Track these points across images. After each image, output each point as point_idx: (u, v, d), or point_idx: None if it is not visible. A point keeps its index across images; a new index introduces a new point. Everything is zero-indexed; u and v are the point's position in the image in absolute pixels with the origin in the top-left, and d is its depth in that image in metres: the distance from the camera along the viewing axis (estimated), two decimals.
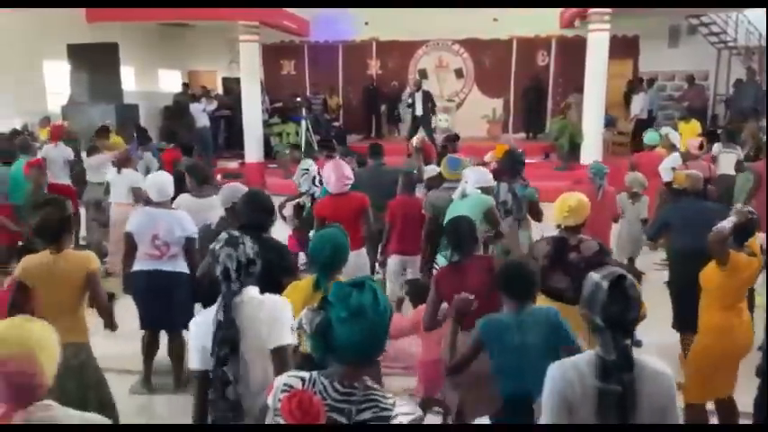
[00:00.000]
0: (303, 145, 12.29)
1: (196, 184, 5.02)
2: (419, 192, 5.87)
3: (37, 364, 1.59)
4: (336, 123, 14.90)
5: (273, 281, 2.98)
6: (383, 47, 15.51)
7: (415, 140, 7.50)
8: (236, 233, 2.51)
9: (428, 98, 12.51)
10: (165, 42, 15.34)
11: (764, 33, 12.58)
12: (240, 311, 2.35)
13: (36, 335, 1.61)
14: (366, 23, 15.16)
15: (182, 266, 4.31)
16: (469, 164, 5.48)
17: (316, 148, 12.61)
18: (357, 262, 4.51)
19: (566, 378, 1.94)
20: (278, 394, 1.73)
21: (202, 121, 12.93)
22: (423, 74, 15.51)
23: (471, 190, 4.39)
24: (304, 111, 12.49)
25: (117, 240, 6.44)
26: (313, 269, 2.91)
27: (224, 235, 2.47)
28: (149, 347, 4.50)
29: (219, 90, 16.17)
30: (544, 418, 2.00)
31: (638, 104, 12.49)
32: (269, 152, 12.79)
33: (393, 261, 5.34)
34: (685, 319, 4.14)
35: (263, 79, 16.04)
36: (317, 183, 7.18)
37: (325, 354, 1.69)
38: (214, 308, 2.39)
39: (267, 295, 2.47)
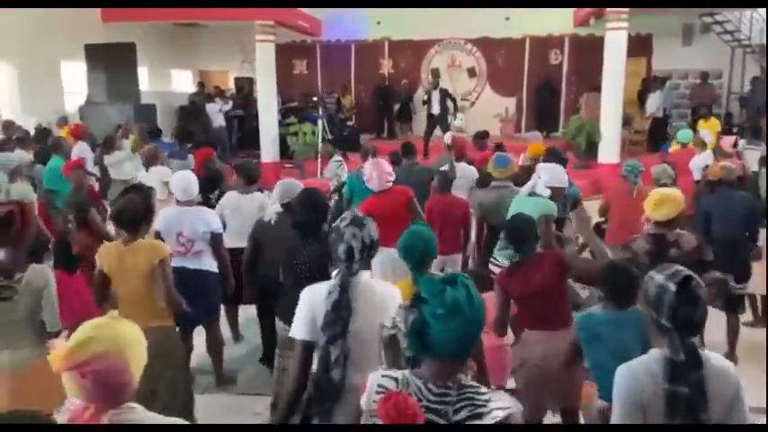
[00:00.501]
0: (320, 144, 12.26)
1: (244, 183, 5.02)
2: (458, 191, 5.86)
3: (127, 363, 1.58)
4: (350, 123, 14.89)
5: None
6: (395, 46, 15.52)
7: (446, 137, 7.47)
8: (360, 215, 2.52)
9: (446, 96, 12.44)
10: (176, 42, 15.35)
11: None
12: (355, 293, 2.34)
13: (126, 334, 1.60)
14: (378, 23, 15.18)
15: (208, 264, 4.33)
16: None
17: (331, 148, 12.57)
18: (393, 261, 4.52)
19: (638, 379, 1.92)
20: (372, 395, 1.72)
21: (218, 120, 12.94)
22: (435, 73, 15.46)
23: (541, 189, 4.33)
24: (320, 110, 12.46)
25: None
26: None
27: (348, 214, 2.49)
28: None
29: (232, 90, 16.15)
30: (616, 419, 1.98)
31: (654, 103, 12.48)
32: (284, 152, 12.80)
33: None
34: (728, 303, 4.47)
35: (277, 78, 16.09)
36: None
37: (421, 352, 1.66)
38: (329, 282, 2.39)
39: (379, 281, 2.47)
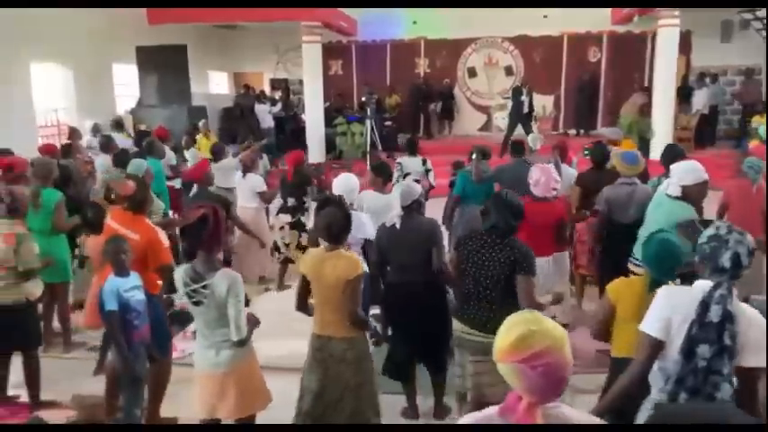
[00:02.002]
0: (368, 145, 12.30)
1: (381, 183, 5.03)
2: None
3: (569, 358, 1.59)
4: (388, 123, 14.88)
5: None
6: (431, 45, 15.53)
7: (531, 140, 7.45)
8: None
9: (531, 96, 12.47)
10: (214, 44, 15.35)
11: None
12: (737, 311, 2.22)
13: (559, 330, 1.61)
14: (414, 22, 15.22)
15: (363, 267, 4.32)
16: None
17: (379, 147, 12.61)
18: (547, 269, 4.51)
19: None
20: None
21: (267, 122, 12.97)
22: (471, 72, 15.55)
23: (673, 189, 4.25)
24: (368, 111, 12.48)
25: (247, 243, 6.47)
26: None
27: (722, 224, 2.36)
28: None
29: (267, 91, 16.15)
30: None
31: (701, 99, 12.52)
32: (329, 152, 12.83)
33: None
34: None
35: None
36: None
37: None
38: (700, 288, 2.27)
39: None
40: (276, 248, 6.38)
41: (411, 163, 7.07)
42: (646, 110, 12.47)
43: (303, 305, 3.36)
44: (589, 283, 5.97)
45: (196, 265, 2.97)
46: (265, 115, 13.05)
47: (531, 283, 3.26)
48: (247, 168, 6.58)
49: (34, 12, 9.07)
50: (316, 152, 12.59)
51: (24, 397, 4.39)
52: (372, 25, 15.17)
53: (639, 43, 14.46)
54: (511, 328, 1.58)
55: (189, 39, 12.99)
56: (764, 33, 13.74)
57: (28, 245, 4.12)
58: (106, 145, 7.41)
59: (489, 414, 1.67)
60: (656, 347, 2.33)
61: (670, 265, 2.80)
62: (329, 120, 13.26)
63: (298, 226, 6.22)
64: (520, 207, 3.38)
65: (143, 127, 9.14)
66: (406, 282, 3.80)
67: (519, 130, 12.50)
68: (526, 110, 12.66)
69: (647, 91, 13.18)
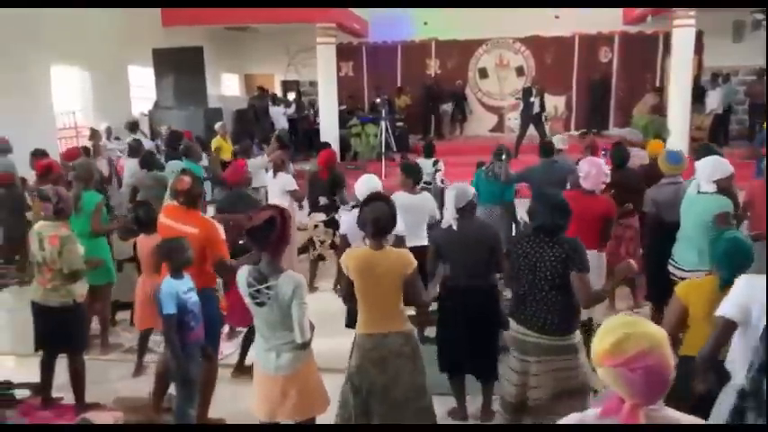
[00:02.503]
0: (383, 146, 12.30)
1: (412, 183, 5.03)
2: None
3: (669, 360, 1.59)
4: (399, 124, 14.89)
5: None
6: (442, 46, 15.54)
7: (557, 140, 7.47)
8: None
9: (542, 96, 12.47)
10: (225, 46, 15.36)
11: None
12: None
13: (657, 332, 1.60)
14: (425, 23, 15.23)
15: None
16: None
17: (394, 148, 12.62)
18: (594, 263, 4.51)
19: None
20: None
21: (282, 123, 12.98)
22: (483, 73, 15.56)
23: (706, 186, 4.29)
24: (383, 112, 12.49)
25: None
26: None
27: None
28: None
29: (278, 93, 16.16)
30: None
31: (715, 99, 12.54)
32: (343, 153, 12.83)
33: None
34: None
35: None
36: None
37: None
38: None
39: None
40: (312, 245, 6.37)
41: (424, 165, 7.13)
42: (658, 110, 12.53)
43: (351, 303, 3.38)
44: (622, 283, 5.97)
45: (260, 266, 2.97)
46: (280, 117, 13.08)
47: (585, 278, 3.22)
48: (278, 168, 6.59)
49: (53, 14, 9.08)
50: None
51: (66, 399, 4.40)
52: (383, 26, 15.19)
53: (651, 44, 14.47)
54: (606, 333, 1.58)
55: (201, 41, 13.00)
56: None
57: (72, 246, 4.11)
58: (136, 149, 7.40)
59: (591, 415, 1.67)
60: (729, 328, 2.51)
61: (740, 264, 2.80)
62: (342, 121, 13.27)
63: (331, 224, 6.24)
64: (566, 205, 3.35)
65: (165, 128, 9.10)
66: (462, 284, 3.78)
67: (531, 131, 12.55)
68: (537, 110, 12.65)
69: (660, 91, 13.24)
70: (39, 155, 6.50)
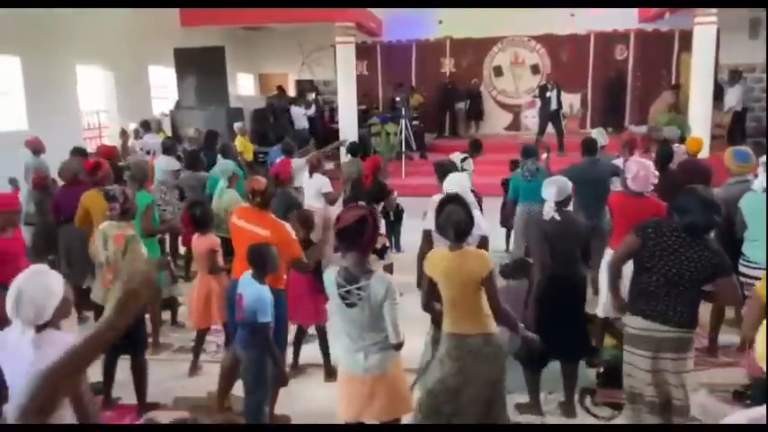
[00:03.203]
0: (403, 144, 12.32)
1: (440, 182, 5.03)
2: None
3: None
4: (415, 122, 14.90)
5: None
6: (457, 45, 15.56)
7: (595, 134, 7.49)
8: None
9: (559, 93, 12.47)
10: (240, 45, 15.35)
11: None
12: None
13: None
14: (440, 22, 15.21)
15: None
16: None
17: (414, 147, 12.63)
18: None
19: None
20: None
21: (302, 123, 12.97)
22: (498, 71, 15.58)
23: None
24: (403, 110, 12.50)
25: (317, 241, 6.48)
26: None
27: None
28: None
29: (292, 92, 16.16)
30: None
31: (734, 97, 12.55)
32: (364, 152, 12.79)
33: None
34: None
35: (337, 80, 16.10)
36: None
37: None
38: None
39: None
40: None
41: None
42: (675, 107, 12.54)
43: (430, 306, 3.39)
44: None
45: (349, 267, 2.97)
46: (300, 117, 13.08)
47: (734, 281, 3.27)
48: (314, 168, 6.58)
49: (78, 14, 9.08)
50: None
51: (124, 399, 4.41)
52: (398, 25, 15.18)
53: (667, 41, 14.50)
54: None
55: (216, 40, 13.01)
56: None
57: (136, 247, 4.13)
58: (170, 147, 7.40)
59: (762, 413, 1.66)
60: None
61: None
62: (359, 120, 13.27)
63: None
64: (716, 202, 3.28)
65: (193, 130, 9.11)
66: (568, 274, 3.86)
67: (549, 129, 12.58)
68: (555, 107, 12.65)
69: (677, 89, 13.26)
70: (78, 153, 6.50)
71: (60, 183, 5.97)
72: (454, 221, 3.22)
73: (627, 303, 3.46)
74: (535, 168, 6.15)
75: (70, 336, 2.53)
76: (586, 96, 15.19)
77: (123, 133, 8.82)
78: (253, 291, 3.52)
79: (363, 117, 13.69)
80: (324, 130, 14.16)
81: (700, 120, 11.18)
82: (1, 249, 4.29)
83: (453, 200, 3.41)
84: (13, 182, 6.69)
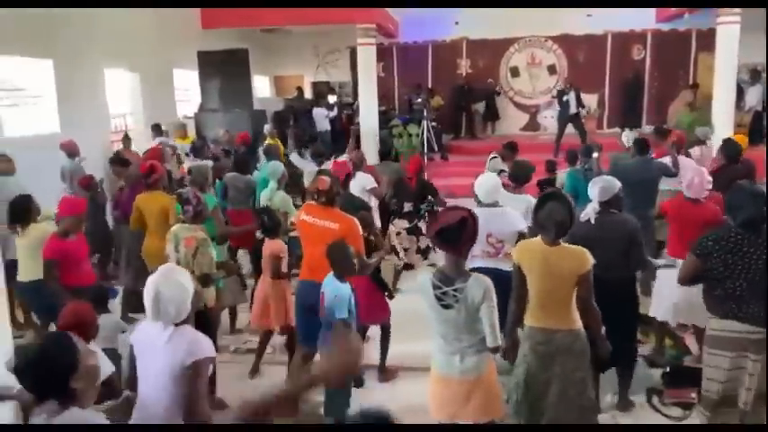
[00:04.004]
0: (425, 145, 12.32)
1: (519, 183, 5.05)
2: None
3: None
4: (433, 124, 14.90)
5: None
6: (473, 46, 15.58)
7: (624, 136, 7.52)
8: None
9: (578, 94, 12.48)
10: (256, 48, 15.31)
11: None
12: None
13: None
14: (456, 23, 15.22)
15: None
16: None
17: (436, 148, 12.64)
18: None
19: None
20: None
21: (324, 125, 12.98)
22: (514, 71, 15.60)
23: None
24: (425, 112, 12.51)
25: None
26: None
27: None
28: None
29: (308, 94, 16.15)
30: None
31: (755, 96, 12.54)
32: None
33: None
34: None
35: (353, 82, 16.09)
36: None
37: None
38: None
39: None
40: (396, 253, 6.36)
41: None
42: (694, 107, 12.53)
43: (520, 299, 3.39)
44: None
45: (445, 268, 2.97)
46: (322, 119, 13.09)
47: None
48: (356, 167, 6.64)
49: (105, 16, 9.07)
50: (371, 154, 12.57)
51: None
52: (414, 26, 15.18)
53: (684, 41, 14.53)
54: None
55: (233, 42, 13.00)
56: None
57: (206, 250, 4.13)
58: (200, 149, 7.43)
59: None
60: None
61: None
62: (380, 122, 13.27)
63: (415, 231, 6.25)
64: (765, 193, 3.30)
65: (223, 132, 9.11)
66: (608, 278, 3.73)
67: (570, 130, 12.58)
68: (574, 110, 12.65)
69: (696, 88, 13.27)
70: (117, 162, 6.55)
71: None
72: (557, 221, 3.22)
73: (711, 306, 3.43)
74: (589, 168, 6.15)
75: (201, 334, 2.58)
76: (603, 97, 15.21)
77: (126, 138, 8.84)
78: (332, 289, 3.54)
79: (382, 119, 13.69)
80: (344, 131, 14.14)
81: (723, 119, 11.18)
82: (67, 253, 4.31)
83: (554, 197, 3.40)
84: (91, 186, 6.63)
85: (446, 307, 2.95)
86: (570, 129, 12.58)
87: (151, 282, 2.50)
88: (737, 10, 10.94)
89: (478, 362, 3.00)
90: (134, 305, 5.43)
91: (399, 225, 6.33)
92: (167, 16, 10.82)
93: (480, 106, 15.29)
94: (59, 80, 8.42)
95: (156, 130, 9.81)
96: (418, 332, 4.43)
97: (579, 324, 3.32)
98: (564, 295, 3.25)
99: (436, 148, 12.66)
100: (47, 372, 2.00)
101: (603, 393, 4.15)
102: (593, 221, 3.91)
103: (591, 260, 3.23)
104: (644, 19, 14.39)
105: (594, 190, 3.97)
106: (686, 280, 3.51)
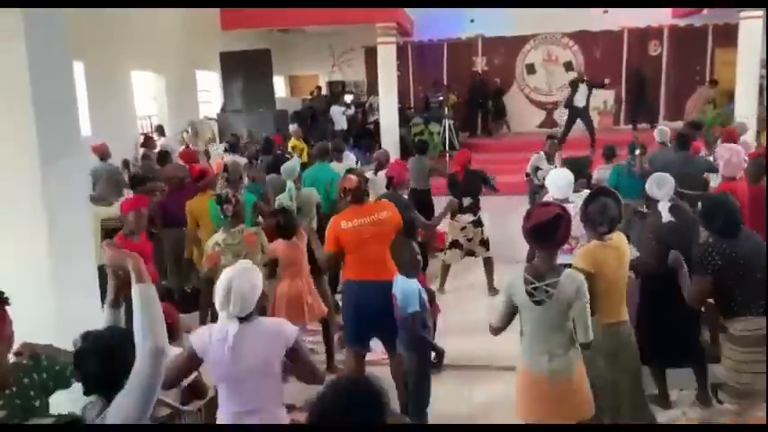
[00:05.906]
0: (446, 144, 12.34)
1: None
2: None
3: None
4: (450, 121, 14.90)
5: None
6: (489, 43, 15.58)
7: (657, 133, 7.51)
8: None
9: (590, 89, 12.46)
10: (271, 48, 15.34)
11: None
12: None
13: None
14: (472, 21, 15.20)
15: None
16: None
17: (457, 147, 12.63)
18: None
19: None
20: None
21: (341, 123, 13.00)
22: (530, 68, 15.60)
23: None
24: (446, 110, 12.52)
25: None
26: None
27: None
28: None
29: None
30: None
31: None
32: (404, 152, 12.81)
33: None
34: None
35: (367, 81, 16.13)
36: None
37: None
38: None
39: None
40: (459, 247, 6.35)
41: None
42: (713, 103, 12.54)
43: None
44: None
45: (536, 264, 2.98)
46: (339, 117, 13.11)
47: None
48: (381, 166, 6.72)
49: (131, 19, 9.08)
50: (391, 152, 12.56)
51: None
52: (429, 25, 15.17)
53: (701, 37, 14.53)
54: None
55: (249, 43, 13.03)
56: None
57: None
58: (235, 145, 7.48)
59: None
60: None
61: None
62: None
63: (479, 223, 6.28)
64: (730, 203, 3.40)
65: (246, 133, 9.14)
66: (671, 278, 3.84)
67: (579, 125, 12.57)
68: (584, 103, 12.61)
69: (715, 84, 13.27)
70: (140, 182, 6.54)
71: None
72: (611, 216, 3.30)
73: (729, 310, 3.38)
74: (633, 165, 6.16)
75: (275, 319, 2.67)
76: (620, 92, 15.20)
77: (149, 139, 8.86)
78: (401, 287, 3.54)
79: (400, 117, 13.69)
80: (361, 129, 14.16)
81: (747, 115, 11.16)
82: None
83: (605, 192, 3.45)
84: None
85: (537, 303, 2.94)
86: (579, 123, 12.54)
87: (225, 276, 2.60)
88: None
89: (567, 362, 2.99)
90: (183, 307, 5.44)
91: (464, 220, 6.27)
92: (190, 18, 10.84)
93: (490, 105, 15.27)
94: (90, 82, 8.44)
95: (160, 131, 9.84)
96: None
97: (623, 317, 3.44)
98: (616, 288, 3.36)
99: (458, 147, 12.63)
100: (108, 366, 1.94)
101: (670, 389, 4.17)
102: (674, 220, 3.93)
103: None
104: (660, 15, 14.40)
105: (662, 191, 4.00)
106: (701, 301, 3.51)
